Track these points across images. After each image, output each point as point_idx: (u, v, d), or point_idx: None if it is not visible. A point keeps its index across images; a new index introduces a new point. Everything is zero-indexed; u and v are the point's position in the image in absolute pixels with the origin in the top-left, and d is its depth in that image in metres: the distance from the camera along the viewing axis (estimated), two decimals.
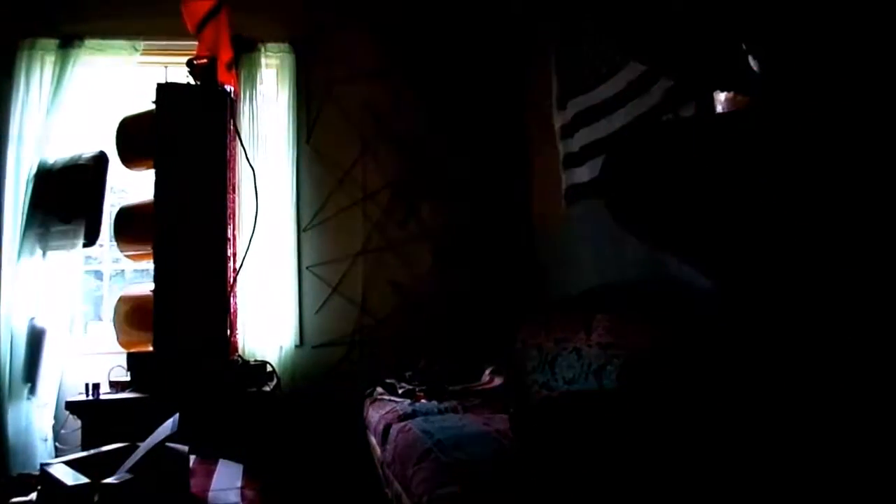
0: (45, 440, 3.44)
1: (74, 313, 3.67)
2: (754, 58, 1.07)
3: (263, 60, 3.94)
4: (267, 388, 3.19)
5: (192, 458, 2.21)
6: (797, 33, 1.04)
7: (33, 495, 1.84)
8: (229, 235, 3.25)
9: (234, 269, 3.35)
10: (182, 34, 3.48)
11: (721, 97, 1.25)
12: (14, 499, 1.83)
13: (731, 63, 1.10)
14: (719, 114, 1.24)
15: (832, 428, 1.01)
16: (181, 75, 3.32)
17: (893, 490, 0.98)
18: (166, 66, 3.97)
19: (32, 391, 3.43)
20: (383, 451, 2.74)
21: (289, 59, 4.00)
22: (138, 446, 1.99)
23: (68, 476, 1.76)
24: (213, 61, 3.27)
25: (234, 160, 3.46)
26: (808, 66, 1.04)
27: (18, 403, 3.42)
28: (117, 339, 3.25)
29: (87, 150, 3.51)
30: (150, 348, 3.06)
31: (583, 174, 3.32)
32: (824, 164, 1.00)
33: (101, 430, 2.79)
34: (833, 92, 1.01)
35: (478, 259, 4.12)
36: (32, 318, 3.49)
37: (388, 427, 2.78)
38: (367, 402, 3.39)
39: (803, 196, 1.01)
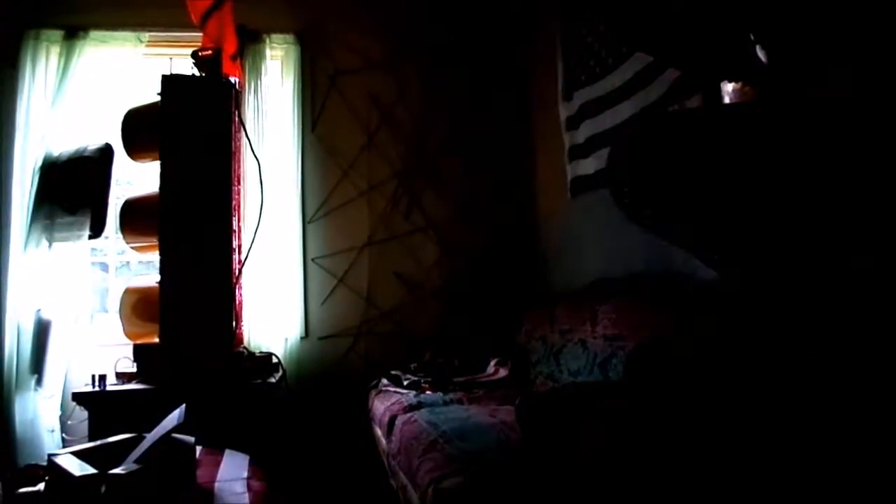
0: (52, 431, 3.46)
1: (80, 305, 3.68)
2: (762, 48, 1.07)
3: (268, 52, 3.93)
4: (272, 380, 3.20)
5: (199, 448, 2.21)
6: (806, 22, 1.03)
7: (41, 486, 1.85)
8: (234, 227, 3.26)
9: (240, 261, 3.35)
10: (187, 26, 3.48)
11: (728, 88, 1.24)
12: (22, 489, 1.84)
13: (738, 53, 1.09)
14: (727, 104, 1.24)
15: (838, 424, 1.01)
16: (186, 67, 3.31)
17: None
18: (171, 58, 3.98)
19: (39, 383, 3.45)
20: (389, 442, 2.74)
21: (294, 51, 3.99)
22: (145, 437, 2.00)
23: (76, 467, 1.77)
24: (217, 53, 3.26)
25: (239, 152, 3.46)
26: (817, 56, 1.03)
27: (25, 395, 3.44)
28: (123, 330, 3.26)
29: (93, 142, 3.51)
30: (156, 340, 3.07)
31: (588, 166, 3.31)
32: (830, 157, 0.99)
33: (107, 421, 2.80)
34: (842, 83, 1.01)
35: (483, 250, 4.12)
36: (39, 310, 3.50)
37: (393, 418, 2.79)
38: (373, 393, 3.40)
39: (810, 189, 1.00)
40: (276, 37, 3.96)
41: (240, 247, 3.38)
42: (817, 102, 1.03)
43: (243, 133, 3.49)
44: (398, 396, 3.09)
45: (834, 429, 1.01)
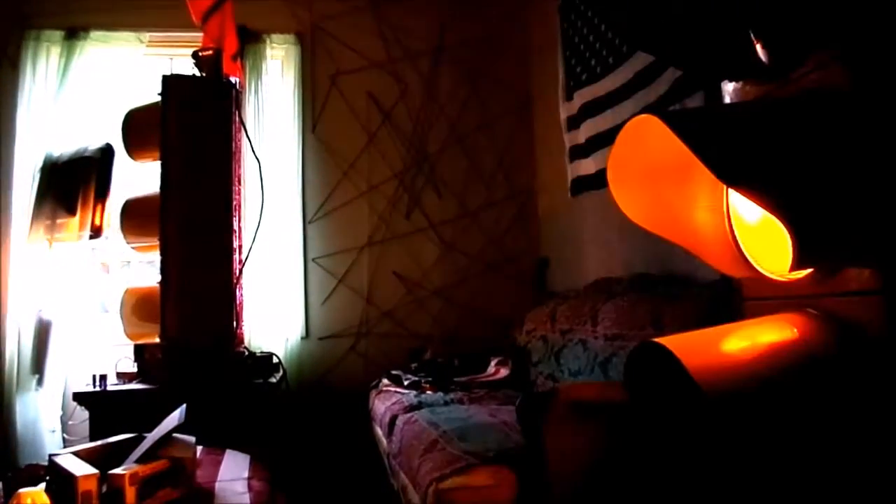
0: (53, 431, 3.46)
1: (81, 305, 3.68)
2: (763, 47, 1.06)
3: (269, 52, 3.93)
4: (273, 380, 3.20)
5: (199, 448, 2.21)
6: (807, 20, 1.03)
7: (42, 486, 1.85)
8: (235, 227, 3.25)
9: (240, 261, 3.34)
10: (187, 26, 3.47)
11: (729, 87, 1.24)
12: (22, 489, 1.84)
13: (740, 52, 1.09)
14: (727, 104, 1.23)
15: (844, 428, 1.01)
16: (187, 67, 3.31)
17: None
18: (171, 58, 3.98)
19: (40, 383, 3.45)
20: (389, 442, 2.74)
21: (294, 51, 4.00)
22: (146, 437, 2.00)
23: (76, 466, 1.77)
24: (218, 53, 3.26)
25: (240, 152, 3.45)
26: (817, 53, 1.03)
27: (26, 395, 3.44)
28: (124, 330, 3.26)
29: (94, 142, 3.52)
30: (157, 340, 3.07)
31: (589, 166, 3.31)
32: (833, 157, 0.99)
33: (108, 421, 2.80)
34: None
35: (483, 250, 4.12)
36: (40, 311, 3.51)
37: (394, 418, 2.79)
38: (373, 393, 3.40)
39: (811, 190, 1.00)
40: (276, 37, 3.97)
41: (240, 247, 3.38)
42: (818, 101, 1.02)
43: (244, 133, 3.49)
44: (399, 396, 3.09)
45: (838, 429, 1.01)
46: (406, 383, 3.31)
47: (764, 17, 1.06)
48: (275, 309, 3.80)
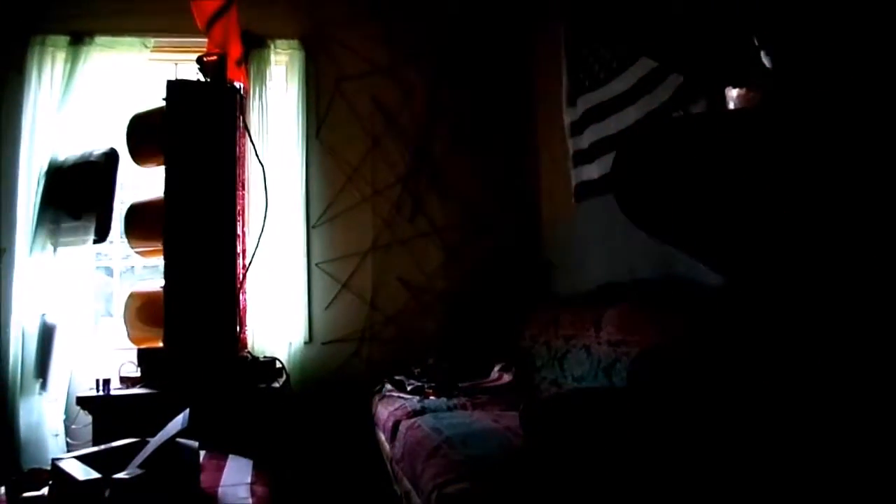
0: (56, 435, 3.46)
1: (85, 309, 3.68)
2: (766, 53, 1.06)
3: (273, 57, 3.94)
4: (276, 385, 3.20)
5: (203, 453, 2.21)
6: (810, 27, 1.03)
7: (45, 490, 1.85)
8: (239, 232, 3.26)
9: (244, 266, 3.35)
10: (192, 31, 3.49)
11: (732, 93, 1.24)
12: (26, 493, 1.84)
13: (743, 59, 1.09)
14: (731, 110, 1.24)
15: (838, 426, 1.01)
16: (191, 72, 3.32)
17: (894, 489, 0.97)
18: (176, 63, 3.99)
19: (44, 387, 3.45)
20: (392, 447, 2.74)
21: (298, 56, 4.00)
22: (149, 442, 2.00)
23: (80, 471, 1.77)
24: (222, 58, 3.27)
25: (244, 157, 3.47)
26: (821, 61, 1.03)
27: (30, 399, 3.44)
28: (128, 335, 3.26)
29: (98, 147, 3.52)
30: (161, 344, 3.07)
31: (592, 171, 3.31)
32: (835, 160, 0.99)
33: (111, 425, 2.80)
34: (847, 87, 1.00)
35: (487, 256, 4.12)
36: (44, 314, 3.51)
37: (397, 424, 2.78)
38: (376, 398, 3.40)
39: (814, 193, 1.00)
40: (280, 42, 3.97)
41: (244, 251, 3.39)
42: (821, 106, 1.02)
43: (248, 138, 3.50)
44: (402, 402, 3.08)
45: (840, 433, 1.01)
46: (409, 388, 3.31)
47: (767, 23, 1.06)
48: (278, 313, 3.80)
